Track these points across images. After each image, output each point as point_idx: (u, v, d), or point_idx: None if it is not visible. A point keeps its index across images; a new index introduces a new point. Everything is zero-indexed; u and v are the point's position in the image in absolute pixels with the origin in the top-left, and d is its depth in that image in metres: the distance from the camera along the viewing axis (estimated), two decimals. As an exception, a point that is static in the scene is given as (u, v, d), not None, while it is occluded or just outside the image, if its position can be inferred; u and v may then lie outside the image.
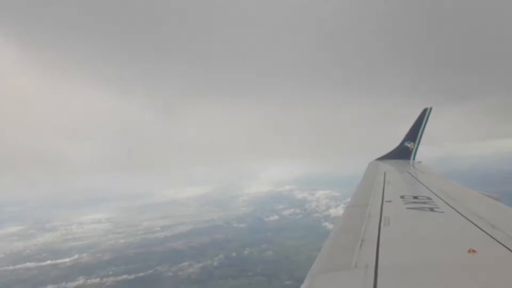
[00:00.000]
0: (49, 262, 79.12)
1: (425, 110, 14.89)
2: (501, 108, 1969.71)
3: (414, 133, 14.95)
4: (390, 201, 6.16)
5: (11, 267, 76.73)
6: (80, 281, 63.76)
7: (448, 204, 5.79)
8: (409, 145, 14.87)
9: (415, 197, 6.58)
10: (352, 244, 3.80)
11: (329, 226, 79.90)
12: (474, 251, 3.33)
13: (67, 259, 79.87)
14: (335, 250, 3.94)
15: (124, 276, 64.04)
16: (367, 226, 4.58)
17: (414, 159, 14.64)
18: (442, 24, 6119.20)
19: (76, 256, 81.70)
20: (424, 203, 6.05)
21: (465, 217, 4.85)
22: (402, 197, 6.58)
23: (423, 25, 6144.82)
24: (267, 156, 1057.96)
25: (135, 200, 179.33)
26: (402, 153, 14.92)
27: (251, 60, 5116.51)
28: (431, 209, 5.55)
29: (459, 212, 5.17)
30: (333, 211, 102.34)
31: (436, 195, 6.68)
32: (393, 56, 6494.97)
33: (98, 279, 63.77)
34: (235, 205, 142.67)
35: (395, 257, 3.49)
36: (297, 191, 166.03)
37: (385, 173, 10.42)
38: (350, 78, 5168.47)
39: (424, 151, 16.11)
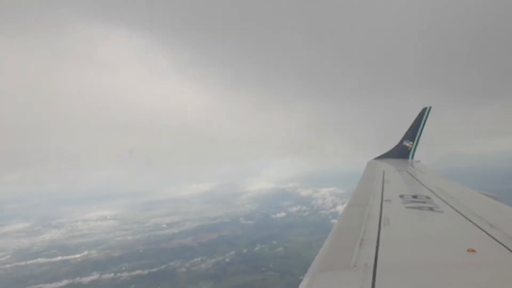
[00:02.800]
0: (59, 258, 79.36)
1: (424, 110, 14.87)
2: None
3: (413, 132, 14.95)
4: (389, 200, 6.12)
5: (22, 263, 76.93)
6: (95, 276, 64.04)
7: (448, 204, 5.75)
8: (407, 144, 14.86)
9: (414, 197, 6.55)
10: (351, 243, 3.79)
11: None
12: (473, 250, 3.32)
13: (77, 255, 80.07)
14: (335, 249, 3.89)
15: (138, 272, 64.36)
16: (367, 225, 4.56)
17: (412, 158, 14.59)
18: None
19: (86, 252, 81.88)
20: (424, 202, 6.01)
21: (465, 217, 4.83)
22: (401, 196, 6.53)
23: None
24: (270, 153, 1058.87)
25: (139, 197, 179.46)
26: (401, 152, 14.91)
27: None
28: (431, 209, 5.51)
29: (458, 212, 5.15)
30: (340, 208, 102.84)
31: (435, 194, 6.63)
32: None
33: (112, 274, 64.10)
34: (240, 202, 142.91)
35: (395, 256, 3.45)
36: (300, 188, 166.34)
37: (384, 172, 10.38)
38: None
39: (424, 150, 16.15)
